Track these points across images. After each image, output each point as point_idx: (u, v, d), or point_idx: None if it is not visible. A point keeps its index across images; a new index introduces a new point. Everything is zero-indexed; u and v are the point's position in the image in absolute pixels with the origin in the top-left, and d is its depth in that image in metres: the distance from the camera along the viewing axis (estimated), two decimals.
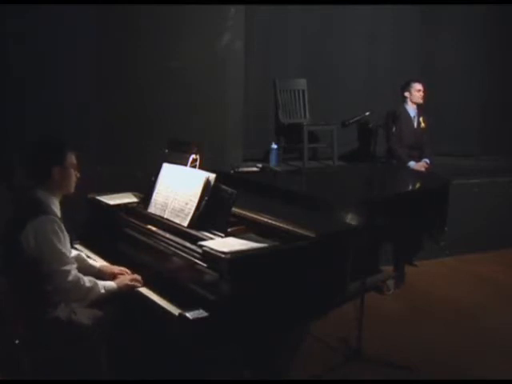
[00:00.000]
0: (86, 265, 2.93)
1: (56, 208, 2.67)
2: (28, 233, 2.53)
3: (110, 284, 2.75)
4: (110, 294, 2.71)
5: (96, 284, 2.67)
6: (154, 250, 2.87)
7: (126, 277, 2.81)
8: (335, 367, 3.45)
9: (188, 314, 2.36)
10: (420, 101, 5.51)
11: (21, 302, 2.55)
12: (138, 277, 2.79)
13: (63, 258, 2.58)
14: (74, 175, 2.73)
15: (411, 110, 5.53)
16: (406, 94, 5.52)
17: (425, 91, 5.52)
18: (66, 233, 2.62)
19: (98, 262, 3.02)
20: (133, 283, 2.76)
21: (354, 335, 3.60)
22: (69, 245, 2.69)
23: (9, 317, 2.53)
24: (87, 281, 2.64)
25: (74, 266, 2.64)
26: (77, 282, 2.60)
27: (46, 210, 2.59)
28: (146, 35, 4.72)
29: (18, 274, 2.57)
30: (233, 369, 2.60)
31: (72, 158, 2.73)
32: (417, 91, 5.48)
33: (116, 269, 2.89)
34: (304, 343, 2.95)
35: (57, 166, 2.66)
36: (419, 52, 6.80)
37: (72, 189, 2.76)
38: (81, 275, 2.63)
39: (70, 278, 2.57)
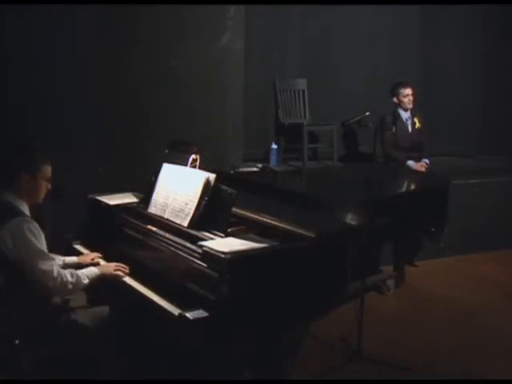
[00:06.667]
0: (67, 263, 2.93)
1: (27, 212, 2.63)
2: (4, 235, 2.49)
3: (91, 270, 2.76)
4: (94, 280, 2.73)
5: (78, 276, 2.66)
6: (154, 250, 2.87)
7: (111, 264, 2.84)
8: (335, 367, 3.45)
9: (188, 314, 2.36)
10: (409, 106, 5.31)
11: (13, 302, 2.52)
12: (123, 265, 2.83)
13: (43, 256, 2.56)
14: (44, 187, 2.69)
15: (403, 113, 5.36)
16: (395, 99, 5.34)
17: (415, 94, 5.32)
18: (41, 232, 2.59)
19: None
20: (118, 268, 2.80)
21: (353, 335, 3.60)
22: (45, 243, 2.65)
23: (7, 317, 2.52)
24: (69, 276, 2.62)
25: (54, 262, 2.62)
26: (61, 279, 2.58)
27: (18, 212, 2.57)
28: (146, 35, 4.72)
29: (4, 277, 2.52)
30: (233, 369, 2.60)
31: (47, 171, 2.69)
32: (404, 97, 5.28)
33: (90, 256, 2.97)
34: (304, 343, 2.94)
35: (27, 174, 2.62)
36: (419, 52, 6.79)
37: (40, 199, 2.72)
38: (62, 271, 2.62)
39: (54, 275, 2.55)
